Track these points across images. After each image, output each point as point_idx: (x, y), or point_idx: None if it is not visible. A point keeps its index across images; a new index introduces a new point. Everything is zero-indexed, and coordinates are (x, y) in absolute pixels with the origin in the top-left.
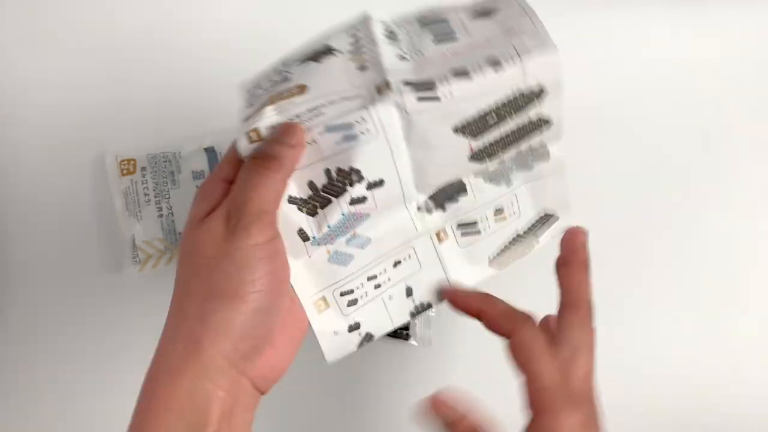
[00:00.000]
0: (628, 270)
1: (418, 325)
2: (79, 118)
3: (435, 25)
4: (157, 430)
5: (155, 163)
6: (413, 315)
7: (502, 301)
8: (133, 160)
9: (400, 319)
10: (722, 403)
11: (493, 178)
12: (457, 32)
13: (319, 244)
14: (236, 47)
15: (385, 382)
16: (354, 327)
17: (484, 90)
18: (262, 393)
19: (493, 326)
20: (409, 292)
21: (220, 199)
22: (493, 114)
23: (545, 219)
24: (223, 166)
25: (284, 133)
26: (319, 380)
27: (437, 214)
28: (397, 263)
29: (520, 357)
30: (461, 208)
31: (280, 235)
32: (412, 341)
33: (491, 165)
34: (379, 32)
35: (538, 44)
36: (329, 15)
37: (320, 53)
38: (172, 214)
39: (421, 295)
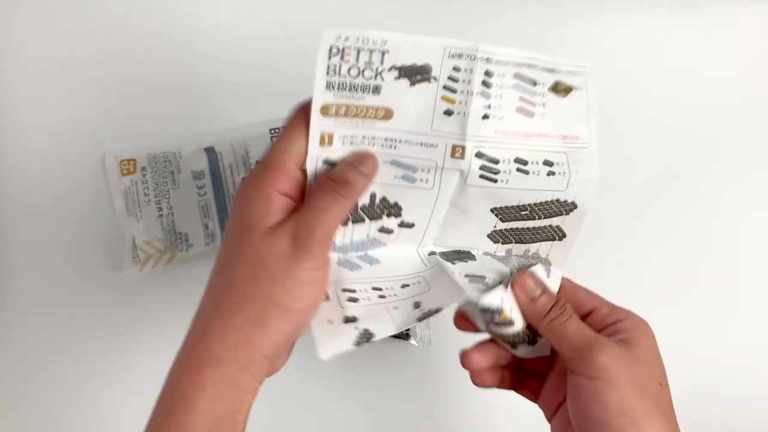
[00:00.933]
0: (628, 270)
1: (418, 325)
2: (79, 118)
3: (524, 84)
4: (198, 412)
5: (155, 163)
6: (420, 320)
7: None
8: (134, 160)
9: (406, 323)
10: (721, 402)
11: (498, 261)
12: (536, 107)
13: (334, 251)
14: (236, 48)
15: (385, 382)
16: (350, 319)
17: (533, 188)
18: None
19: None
20: (417, 305)
21: (281, 215)
22: (528, 209)
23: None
24: (279, 176)
25: (361, 160)
26: (319, 380)
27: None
28: (405, 285)
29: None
30: (470, 267)
31: (329, 263)
32: (412, 341)
33: (499, 250)
34: (478, 79)
35: (587, 162)
36: (330, 17)
37: (418, 74)
38: (172, 214)
39: (430, 304)
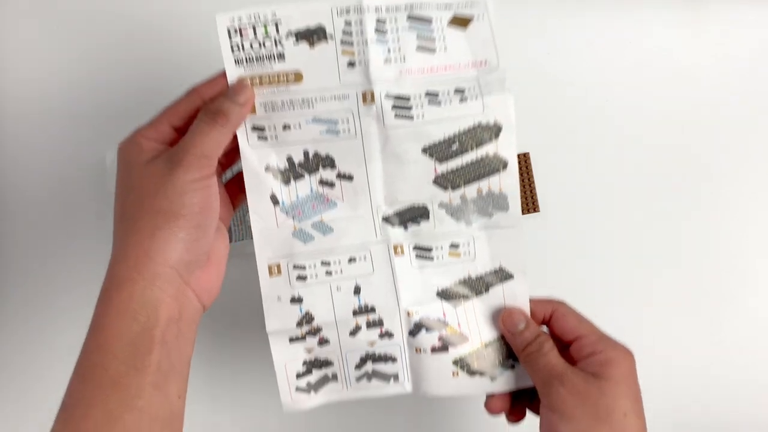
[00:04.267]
0: (624, 269)
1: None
2: (79, 118)
3: (420, 24)
4: (112, 331)
5: None
6: (355, 313)
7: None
8: None
9: (342, 313)
10: (721, 403)
11: (455, 213)
12: (437, 41)
13: (286, 214)
14: None
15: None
16: (296, 300)
17: (450, 117)
18: (205, 308)
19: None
20: (357, 291)
21: (153, 154)
22: (457, 141)
23: (500, 275)
24: (147, 130)
25: (235, 92)
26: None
27: (398, 230)
28: (351, 260)
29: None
30: (421, 231)
31: (215, 176)
32: None
33: (454, 197)
34: (370, 27)
35: (497, 82)
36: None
37: (314, 35)
38: None
39: (367, 297)
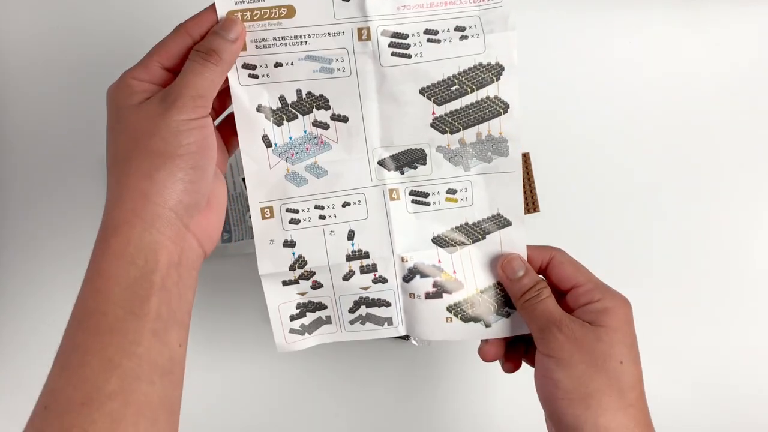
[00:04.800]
0: (624, 269)
1: None
2: (79, 118)
3: None
4: (109, 276)
5: None
6: (348, 258)
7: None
8: None
9: (335, 258)
10: (723, 403)
11: (453, 157)
12: None
13: (279, 155)
14: None
15: (385, 382)
16: (289, 244)
17: (450, 55)
18: (205, 255)
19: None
20: (350, 236)
21: (145, 95)
22: (456, 82)
23: (498, 221)
24: (138, 70)
25: (224, 27)
26: (319, 380)
27: (394, 174)
28: (346, 204)
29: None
30: (418, 176)
31: (210, 118)
32: (412, 341)
33: (452, 141)
34: None
35: (500, 19)
36: None
37: None
38: None
39: (360, 242)
